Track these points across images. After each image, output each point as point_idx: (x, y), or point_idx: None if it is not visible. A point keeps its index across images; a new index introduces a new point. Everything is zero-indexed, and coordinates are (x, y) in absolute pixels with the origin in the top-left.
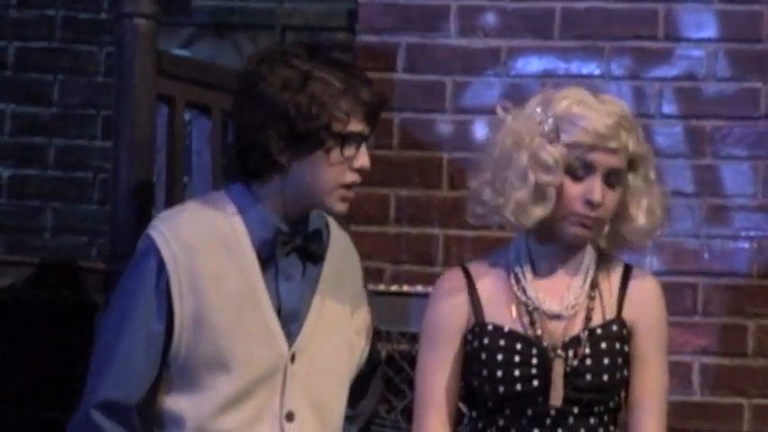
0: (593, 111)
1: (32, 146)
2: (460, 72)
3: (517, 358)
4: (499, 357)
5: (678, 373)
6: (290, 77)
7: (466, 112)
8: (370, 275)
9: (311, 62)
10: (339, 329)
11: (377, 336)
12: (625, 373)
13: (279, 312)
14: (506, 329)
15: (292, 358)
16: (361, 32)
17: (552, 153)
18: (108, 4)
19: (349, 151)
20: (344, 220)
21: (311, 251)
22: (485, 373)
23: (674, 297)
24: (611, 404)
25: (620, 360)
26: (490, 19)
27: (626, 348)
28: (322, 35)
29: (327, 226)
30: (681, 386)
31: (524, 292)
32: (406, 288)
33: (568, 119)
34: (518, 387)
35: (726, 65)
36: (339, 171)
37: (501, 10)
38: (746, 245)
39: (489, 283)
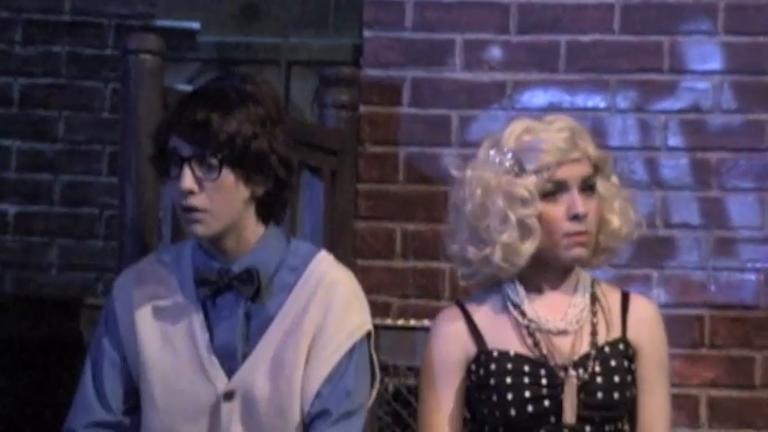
0: (544, 132)
1: (38, 182)
2: (466, 106)
3: (526, 380)
4: (508, 380)
5: (685, 406)
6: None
7: (472, 146)
8: (377, 310)
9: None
10: (290, 368)
11: (384, 370)
12: (633, 391)
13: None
14: (512, 353)
15: (229, 396)
16: (367, 67)
17: (524, 185)
18: (113, 41)
19: (172, 170)
20: (351, 255)
21: (240, 290)
22: (494, 398)
23: (681, 329)
24: (620, 424)
25: (628, 378)
26: (495, 53)
27: (633, 367)
28: (327, 70)
29: (305, 263)
30: (688, 419)
31: (523, 314)
32: (412, 322)
33: (526, 147)
34: (529, 408)
35: (731, 97)
36: (176, 194)
37: (506, 43)
38: (753, 276)
39: (487, 313)
